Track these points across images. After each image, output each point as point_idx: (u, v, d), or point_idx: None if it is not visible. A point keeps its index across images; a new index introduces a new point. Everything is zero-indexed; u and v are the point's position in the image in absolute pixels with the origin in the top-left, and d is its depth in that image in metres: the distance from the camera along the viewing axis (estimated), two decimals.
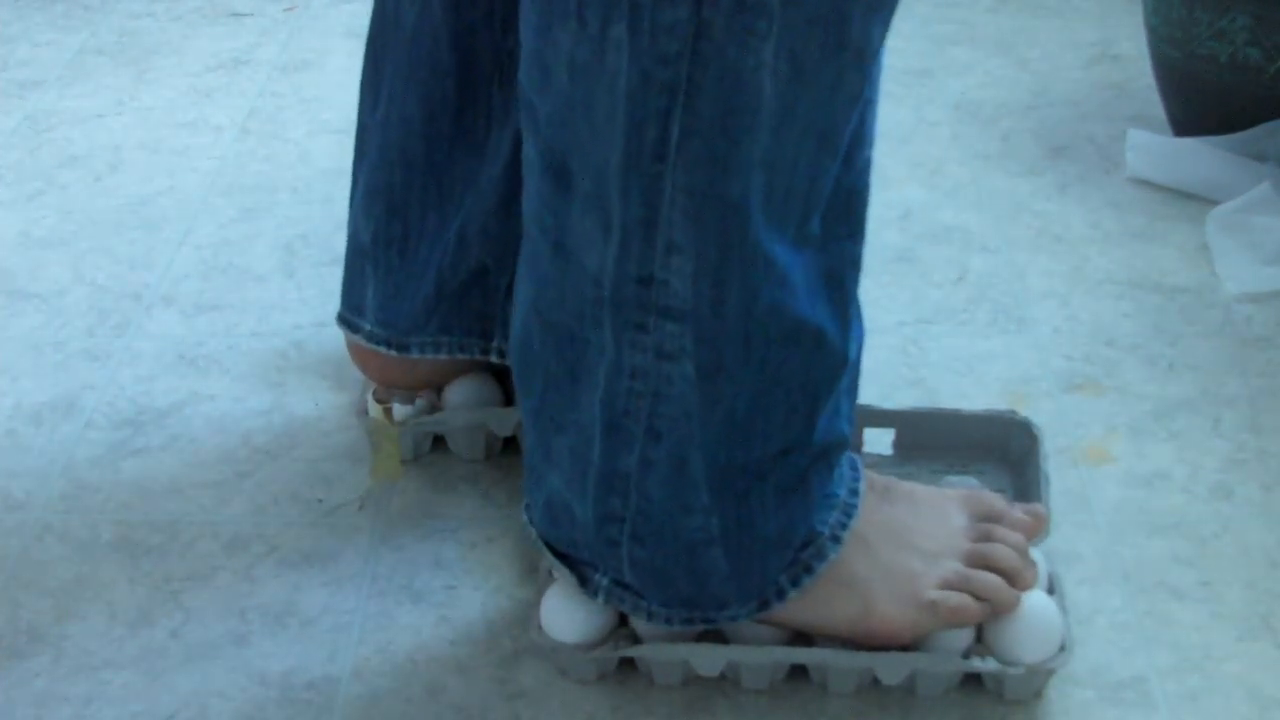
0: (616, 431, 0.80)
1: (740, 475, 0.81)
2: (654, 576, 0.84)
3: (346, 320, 1.03)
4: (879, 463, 1.01)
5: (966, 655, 0.85)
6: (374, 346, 1.02)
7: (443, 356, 1.01)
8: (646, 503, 0.81)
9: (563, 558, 0.87)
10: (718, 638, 0.87)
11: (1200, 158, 1.33)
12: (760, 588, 0.84)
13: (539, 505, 0.87)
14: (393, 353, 1.01)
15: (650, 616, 0.85)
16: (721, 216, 0.73)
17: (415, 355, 1.01)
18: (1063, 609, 0.87)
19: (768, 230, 0.74)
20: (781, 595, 0.84)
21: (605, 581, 0.85)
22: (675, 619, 0.85)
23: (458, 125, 0.95)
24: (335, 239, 1.30)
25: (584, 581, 0.86)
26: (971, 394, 1.11)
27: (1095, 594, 0.94)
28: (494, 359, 1.01)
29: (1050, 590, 0.88)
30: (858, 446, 1.02)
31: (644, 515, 0.82)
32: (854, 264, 0.81)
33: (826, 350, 0.79)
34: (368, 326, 1.02)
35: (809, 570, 0.84)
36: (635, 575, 0.84)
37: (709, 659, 0.86)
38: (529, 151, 0.77)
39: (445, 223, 0.98)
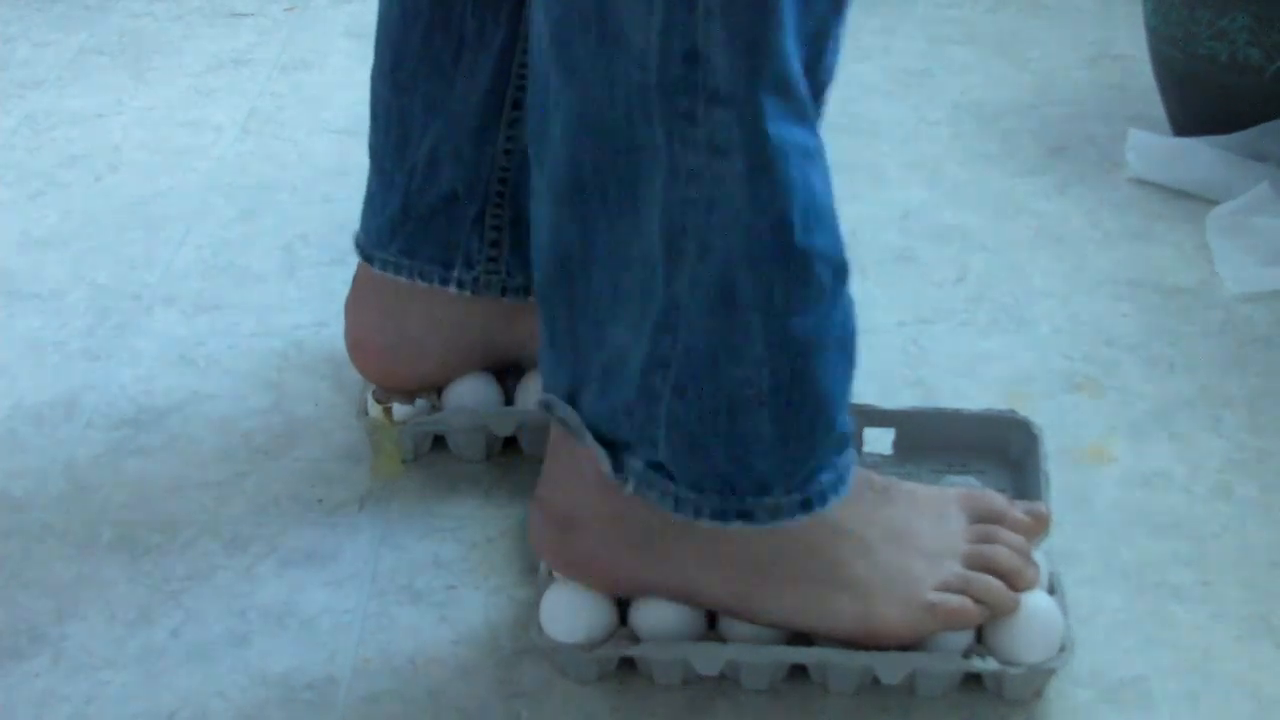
0: (674, 253, 0.78)
1: (796, 317, 0.79)
2: (689, 443, 0.81)
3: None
4: (879, 463, 1.01)
5: (966, 655, 0.85)
6: (355, 249, 1.04)
7: (402, 279, 1.02)
8: (693, 338, 0.79)
9: (601, 440, 0.84)
10: (718, 638, 0.87)
11: (1200, 158, 1.33)
12: (807, 473, 0.82)
13: (594, 377, 0.83)
14: (363, 262, 1.03)
15: (678, 504, 0.83)
16: None
17: (378, 271, 1.02)
18: (1063, 609, 0.87)
19: None
20: (823, 499, 0.82)
21: (638, 465, 0.83)
22: (705, 508, 0.82)
23: (426, 45, 0.96)
24: (335, 239, 1.30)
25: (618, 467, 0.84)
26: (971, 394, 1.11)
27: (1095, 594, 0.94)
28: (453, 289, 1.01)
29: (1051, 590, 0.88)
30: (858, 446, 1.02)
31: (689, 356, 0.79)
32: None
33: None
34: (359, 229, 1.04)
35: (843, 481, 0.83)
36: (670, 442, 0.81)
37: (709, 659, 0.86)
38: None
39: (408, 142, 0.99)
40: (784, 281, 0.78)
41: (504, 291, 1.02)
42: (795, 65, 0.75)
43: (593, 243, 0.80)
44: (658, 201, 0.77)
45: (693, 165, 0.76)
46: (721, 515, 0.83)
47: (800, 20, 0.76)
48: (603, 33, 0.75)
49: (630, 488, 0.84)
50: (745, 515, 0.83)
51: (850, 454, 0.84)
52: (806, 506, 0.83)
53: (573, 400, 0.85)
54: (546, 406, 0.86)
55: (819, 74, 0.80)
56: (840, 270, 0.81)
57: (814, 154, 0.78)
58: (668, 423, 0.81)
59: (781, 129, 0.75)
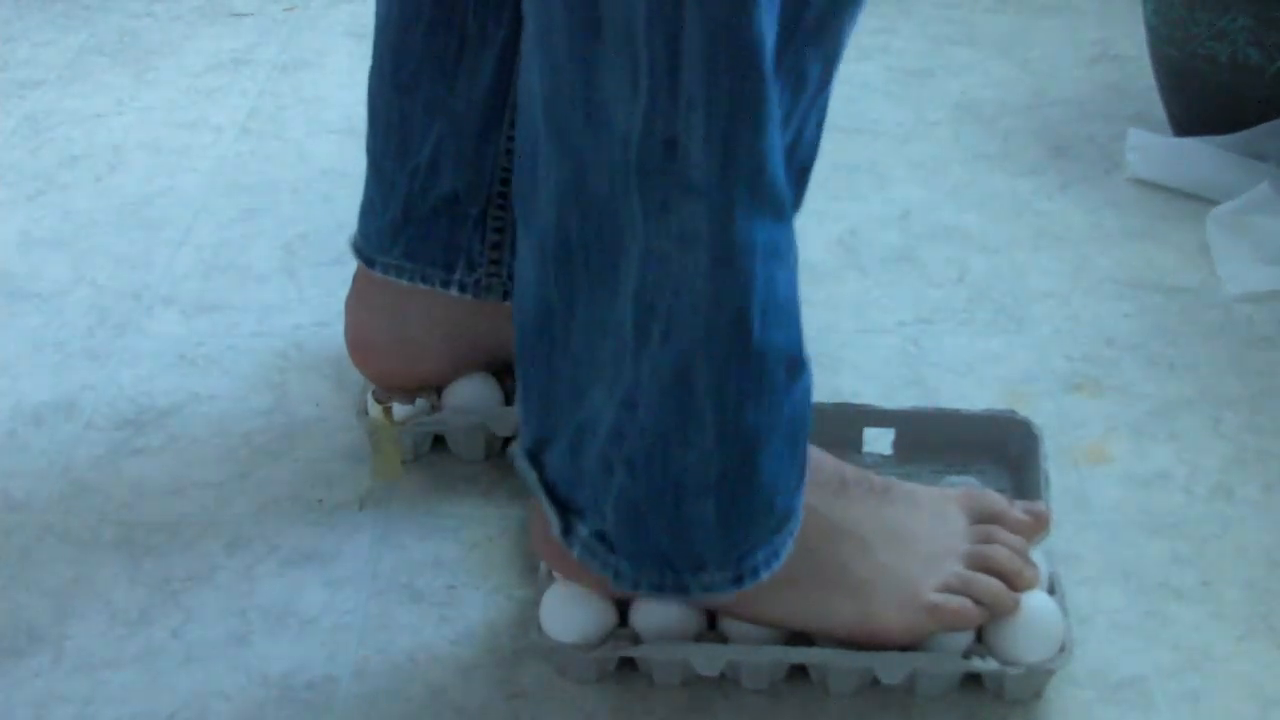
0: (641, 332, 0.78)
1: (749, 411, 0.79)
2: (633, 519, 0.82)
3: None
4: (879, 463, 1.01)
5: (966, 655, 0.85)
6: (354, 253, 1.04)
7: (404, 282, 1.01)
8: (649, 418, 0.80)
9: (558, 502, 0.85)
10: (718, 638, 0.87)
11: (1200, 158, 1.33)
12: (742, 552, 0.83)
13: (565, 437, 0.84)
14: (363, 265, 1.03)
15: (617, 575, 0.84)
16: (734, 58, 0.72)
17: (379, 275, 1.02)
18: (1063, 609, 0.87)
19: (776, 80, 0.73)
20: (755, 574, 0.83)
21: (585, 532, 0.84)
22: (644, 582, 0.83)
23: (427, 46, 0.96)
24: (335, 239, 1.30)
25: (566, 530, 0.85)
26: (971, 394, 1.11)
27: (1095, 594, 0.94)
28: (454, 293, 1.01)
29: (1051, 590, 0.88)
30: (858, 446, 1.02)
31: (643, 435, 0.80)
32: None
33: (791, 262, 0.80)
34: (356, 232, 1.04)
35: (776, 556, 0.83)
36: (616, 515, 0.82)
37: (709, 659, 0.86)
38: (556, 6, 0.75)
39: (409, 144, 0.99)
40: (738, 375, 0.79)
41: (505, 295, 1.02)
42: (775, 162, 0.75)
43: (574, 307, 0.81)
44: (633, 278, 0.78)
45: (664, 250, 0.76)
46: (658, 588, 0.84)
47: (789, 108, 0.76)
48: (589, 111, 0.75)
49: (575, 553, 0.85)
50: (680, 589, 0.84)
51: (790, 528, 0.84)
52: (738, 582, 0.84)
53: (536, 455, 0.86)
54: (512, 458, 0.87)
55: (799, 154, 0.81)
56: (795, 366, 0.81)
57: (782, 252, 0.79)
58: (616, 496, 0.82)
59: (750, 226, 0.76)
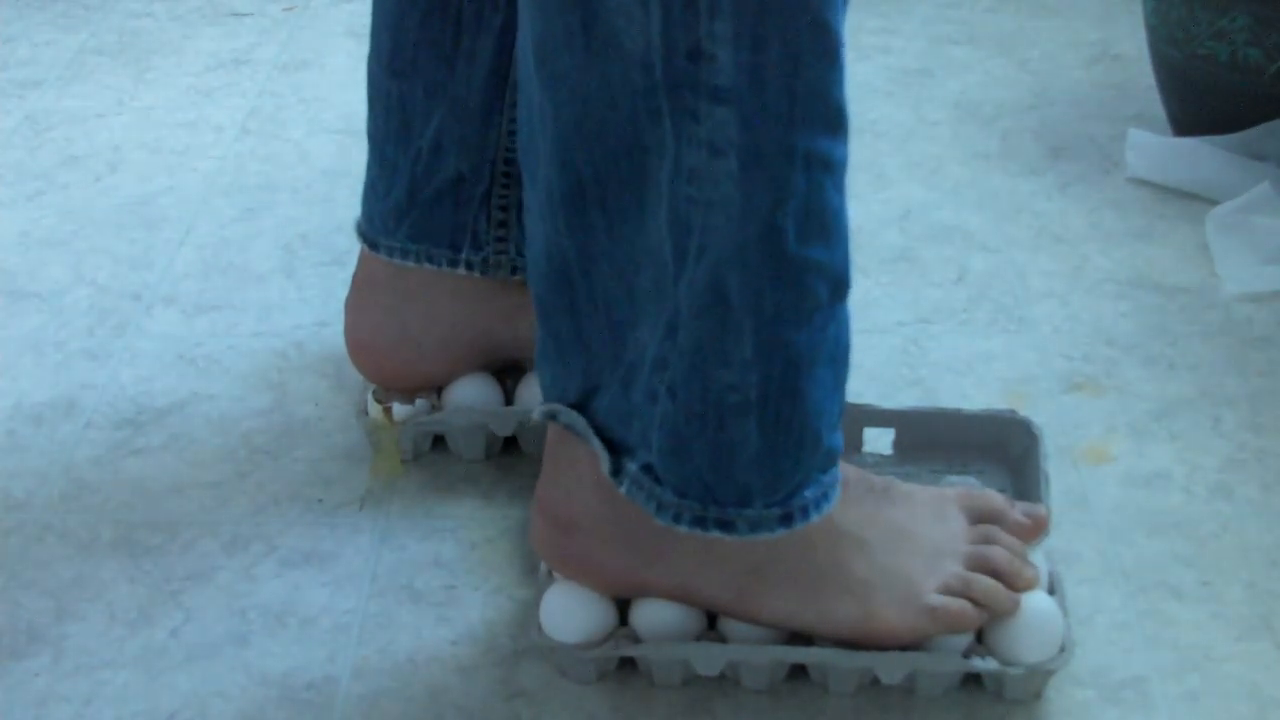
0: (680, 253, 0.77)
1: (788, 326, 0.78)
2: (676, 446, 0.81)
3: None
4: (879, 463, 1.01)
5: (966, 655, 0.85)
6: (358, 236, 1.04)
7: (410, 264, 1.01)
8: (687, 339, 0.78)
9: (608, 442, 0.84)
10: (718, 638, 0.88)
11: (1200, 158, 1.33)
12: (790, 487, 0.81)
13: (615, 380, 0.83)
14: (366, 248, 1.03)
15: (660, 508, 0.83)
16: None
17: (384, 257, 1.02)
18: (1063, 609, 0.87)
19: None
20: (805, 514, 0.82)
21: (634, 468, 0.83)
22: (686, 514, 0.82)
23: (424, 31, 0.96)
24: (335, 239, 1.30)
25: (616, 470, 0.84)
26: (971, 394, 1.11)
27: (1095, 594, 0.94)
28: (461, 271, 1.01)
29: (1051, 590, 0.88)
30: (858, 446, 1.02)
31: (683, 358, 0.79)
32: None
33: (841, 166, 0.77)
34: (359, 215, 1.04)
35: (826, 498, 0.82)
36: (660, 444, 0.81)
37: (709, 659, 0.86)
38: None
39: (410, 128, 0.99)
40: (774, 288, 0.77)
41: (514, 270, 1.02)
42: (822, 70, 0.74)
43: (591, 248, 0.80)
44: (664, 201, 0.76)
45: (694, 164, 0.75)
46: (700, 523, 0.83)
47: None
48: (590, 43, 0.74)
49: (623, 489, 0.84)
50: (724, 525, 0.83)
51: (836, 472, 0.84)
52: (787, 521, 0.82)
53: (584, 405, 0.85)
54: (550, 415, 0.86)
55: None
56: (839, 286, 0.80)
57: (832, 164, 0.76)
58: (660, 424, 0.81)
59: (789, 132, 0.74)
